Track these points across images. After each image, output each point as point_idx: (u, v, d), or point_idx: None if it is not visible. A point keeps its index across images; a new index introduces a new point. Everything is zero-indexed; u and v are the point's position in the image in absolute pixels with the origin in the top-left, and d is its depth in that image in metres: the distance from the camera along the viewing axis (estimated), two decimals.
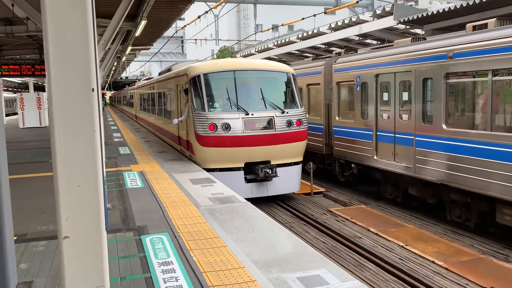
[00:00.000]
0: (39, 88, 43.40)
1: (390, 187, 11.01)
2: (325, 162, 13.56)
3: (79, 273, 2.14)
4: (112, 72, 35.63)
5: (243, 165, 10.53)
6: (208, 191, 7.95)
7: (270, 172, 10.43)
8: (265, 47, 24.77)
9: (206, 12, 20.52)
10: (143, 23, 10.85)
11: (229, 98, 10.63)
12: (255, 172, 10.48)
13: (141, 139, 17.18)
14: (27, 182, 9.03)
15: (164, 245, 5.15)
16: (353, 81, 11.76)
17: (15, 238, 4.19)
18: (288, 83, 11.42)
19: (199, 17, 20.18)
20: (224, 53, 42.71)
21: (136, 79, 51.74)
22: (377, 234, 8.60)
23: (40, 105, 24.34)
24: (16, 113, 32.12)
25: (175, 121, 12.30)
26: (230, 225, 5.90)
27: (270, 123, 10.51)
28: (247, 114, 10.40)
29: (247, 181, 10.56)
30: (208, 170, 10.31)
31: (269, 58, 24.15)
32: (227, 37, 46.81)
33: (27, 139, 18.24)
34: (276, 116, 10.60)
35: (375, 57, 10.90)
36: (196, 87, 10.83)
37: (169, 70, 17.09)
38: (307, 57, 20.05)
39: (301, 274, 4.26)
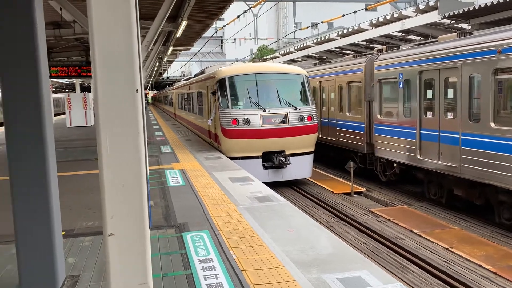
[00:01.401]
0: (85, 88, 44.96)
1: (434, 187, 10.68)
2: (366, 162, 13.33)
3: (123, 270, 2.20)
4: (154, 72, 36.44)
5: (261, 154, 12.15)
6: (247, 189, 7.98)
7: (284, 160, 12.04)
8: (304, 45, 24.61)
9: (245, 11, 20.57)
10: (184, 23, 11.04)
11: (249, 97, 12.34)
12: (272, 160, 12.08)
13: (182, 138, 17.48)
14: (74, 180, 9.38)
15: (205, 243, 5.21)
16: (395, 78, 11.49)
17: (63, 233, 4.36)
18: (301, 84, 12.93)
19: (238, 16, 20.28)
20: (263, 52, 42.73)
21: (176, 79, 52.65)
22: (420, 235, 8.36)
23: (86, 105, 25.28)
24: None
25: (209, 121, 13.70)
26: (269, 224, 5.90)
27: (284, 118, 12.09)
28: (265, 110, 12.04)
29: (265, 167, 12.19)
30: (232, 158, 11.83)
31: (308, 56, 24.07)
32: (266, 36, 46.83)
33: (74, 138, 18.96)
34: (289, 112, 12.15)
35: (419, 53, 10.59)
36: (222, 87, 12.54)
37: (203, 72, 18.94)
38: (347, 54, 19.73)
39: (342, 275, 4.19)
